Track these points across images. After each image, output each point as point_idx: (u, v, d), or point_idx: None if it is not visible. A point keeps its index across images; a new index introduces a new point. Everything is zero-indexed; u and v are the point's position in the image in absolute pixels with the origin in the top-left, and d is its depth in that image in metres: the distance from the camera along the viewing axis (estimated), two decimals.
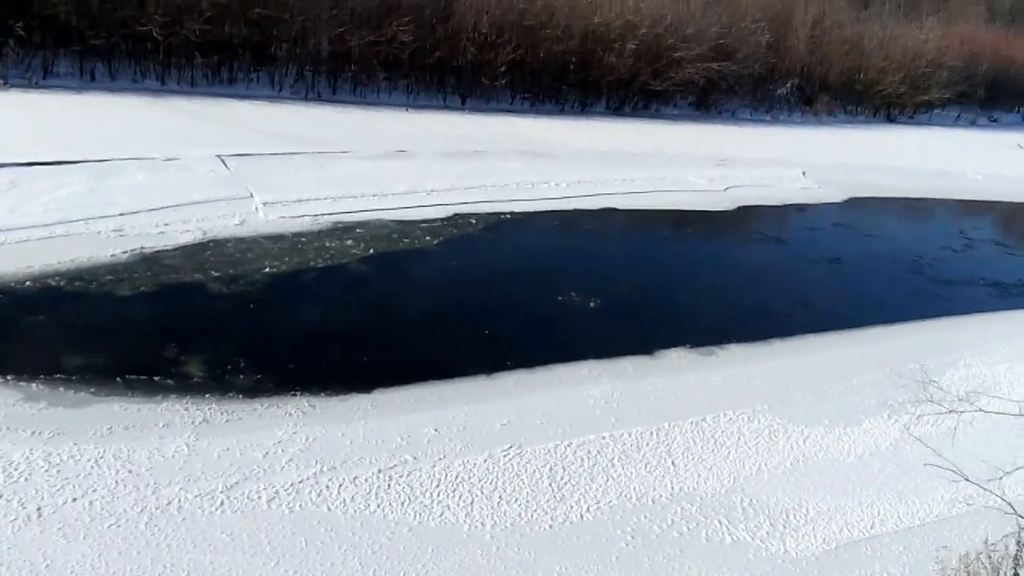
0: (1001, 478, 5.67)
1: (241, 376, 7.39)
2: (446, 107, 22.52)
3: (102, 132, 14.53)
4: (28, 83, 17.39)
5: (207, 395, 6.96)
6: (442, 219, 12.77)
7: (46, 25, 17.75)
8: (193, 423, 6.54)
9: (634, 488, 6.51)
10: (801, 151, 22.82)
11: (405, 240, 11.64)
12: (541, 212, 14.02)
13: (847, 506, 6.69)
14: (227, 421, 6.64)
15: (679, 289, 11.75)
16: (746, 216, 15.92)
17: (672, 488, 6.59)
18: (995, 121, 34.95)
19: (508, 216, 13.53)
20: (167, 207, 11.17)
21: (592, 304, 10.50)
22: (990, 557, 4.35)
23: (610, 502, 6.28)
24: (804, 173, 19.51)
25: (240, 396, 7.02)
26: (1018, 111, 36.72)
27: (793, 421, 7.90)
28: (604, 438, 7.15)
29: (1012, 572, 4.33)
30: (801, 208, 17.15)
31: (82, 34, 17.99)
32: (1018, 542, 4.33)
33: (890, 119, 32.08)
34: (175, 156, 13.45)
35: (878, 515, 6.62)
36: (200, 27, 18.60)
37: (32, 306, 8.18)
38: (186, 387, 7.07)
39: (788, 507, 6.54)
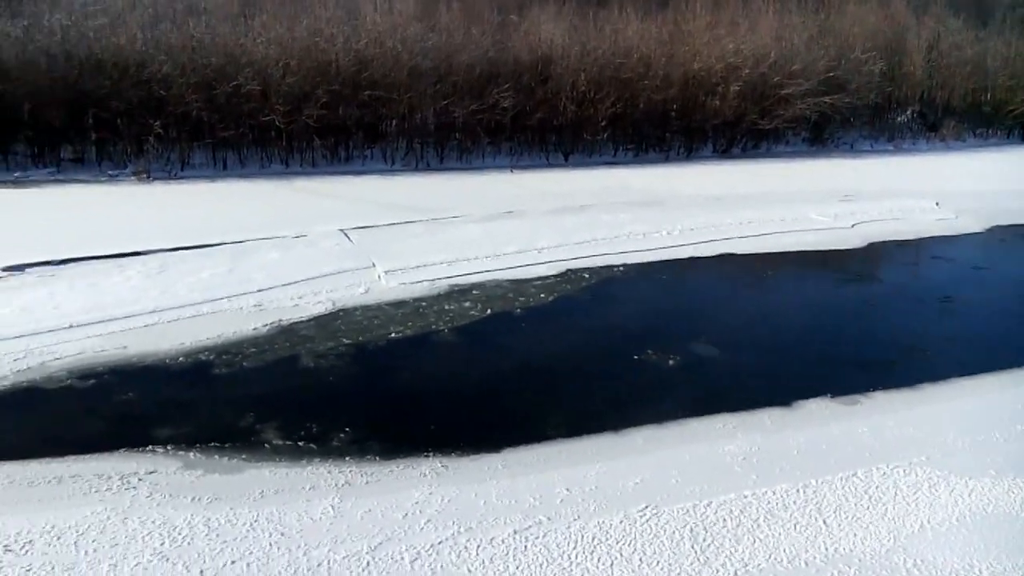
0: None
1: (377, 438, 7.59)
2: (549, 165, 22.81)
3: (236, 215, 15.65)
4: (168, 175, 18.93)
5: (347, 458, 7.17)
6: (554, 275, 12.78)
7: (180, 122, 19.32)
8: (336, 486, 6.71)
9: (784, 550, 6.15)
10: (931, 180, 21.73)
11: (520, 299, 11.71)
12: (654, 262, 13.81)
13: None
14: (367, 483, 6.78)
15: (813, 334, 11.23)
16: (879, 253, 15.18)
17: (826, 549, 6.18)
18: None
19: (621, 268, 13.41)
20: (299, 281, 11.78)
21: (719, 354, 10.20)
22: None
23: (759, 565, 5.95)
24: (938, 203, 18.53)
25: (377, 458, 7.18)
26: None
27: (955, 473, 7.30)
28: (746, 496, 6.83)
29: None
30: (939, 241, 16.19)
31: (213, 128, 19.52)
32: None
33: None
34: (303, 233, 14.23)
35: None
36: (317, 112, 19.85)
37: (186, 380, 8.70)
38: (328, 451, 7.31)
39: (958, 568, 6.00)
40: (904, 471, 7.33)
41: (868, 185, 20.47)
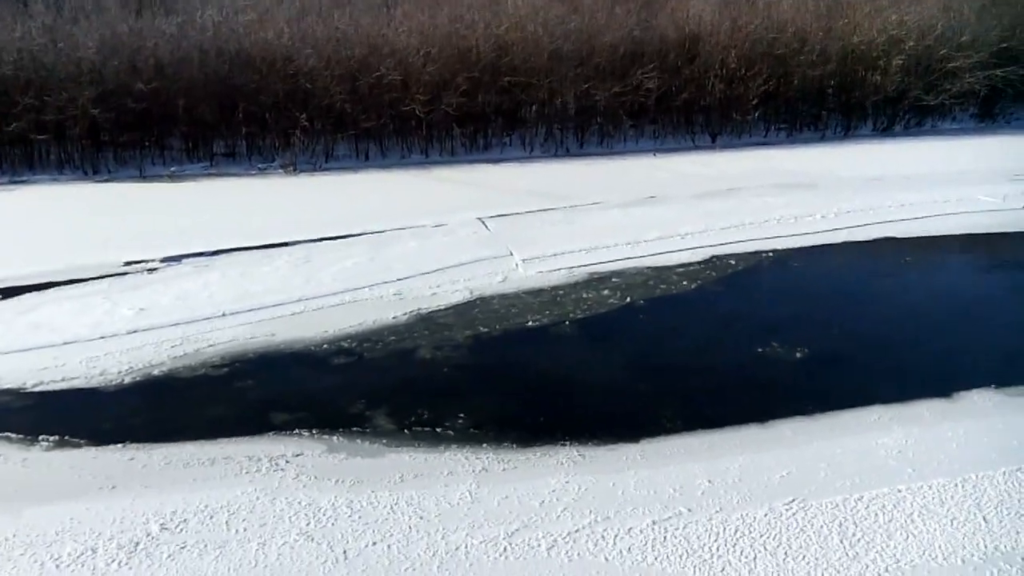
0: None
1: (514, 426, 7.75)
2: (695, 147, 22.30)
3: (378, 206, 16.12)
4: (313, 167, 19.69)
5: (484, 444, 7.35)
6: (698, 262, 12.57)
7: (325, 114, 19.96)
8: (474, 471, 6.92)
9: (939, 546, 5.89)
10: None
11: (662, 286, 11.59)
12: (805, 247, 13.33)
13: None
14: (504, 470, 6.95)
15: (978, 321, 10.60)
16: None
17: (985, 547, 5.89)
18: None
19: (769, 254, 13.03)
20: (437, 270, 12.06)
21: (875, 342, 9.81)
22: None
23: (912, 561, 5.74)
24: None
25: (514, 445, 7.33)
26: None
27: None
28: (900, 491, 6.57)
29: None
30: None
31: (355, 119, 20.01)
32: None
33: None
34: (442, 222, 14.53)
35: None
36: (456, 100, 20.03)
37: (330, 366, 9.14)
38: (466, 437, 7.52)
39: None
40: None
41: None
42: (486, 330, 10.09)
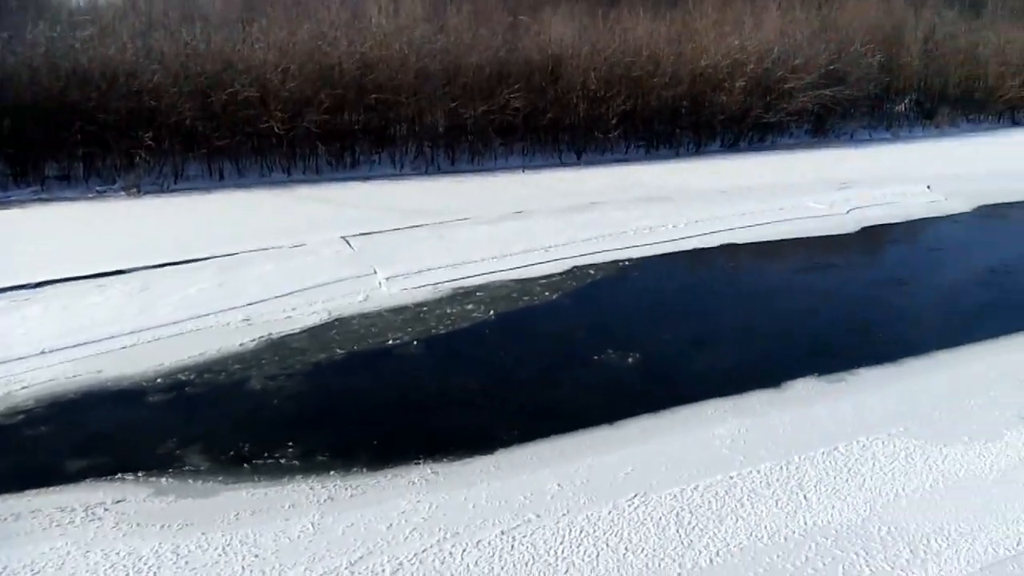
0: None
1: (366, 450, 7.43)
2: (562, 164, 22.76)
3: (231, 227, 15.15)
4: (160, 188, 18.32)
5: (332, 472, 6.99)
6: (560, 273, 12.75)
7: (173, 132, 18.63)
8: (318, 501, 6.55)
9: (765, 527, 6.15)
10: (925, 165, 21.59)
11: (525, 298, 11.68)
12: (660, 255, 13.80)
13: (991, 524, 6.10)
14: (352, 496, 6.63)
15: (804, 317, 11.19)
16: (871, 236, 15.13)
17: (805, 523, 6.19)
18: None
19: (627, 262, 13.39)
20: (293, 292, 11.46)
21: (716, 339, 10.23)
22: None
23: (740, 544, 5.96)
24: (929, 187, 18.39)
25: (365, 470, 7.02)
26: None
27: (930, 441, 7.35)
28: (732, 477, 6.83)
29: None
30: (927, 222, 16.21)
31: (208, 137, 18.79)
32: None
33: (1015, 123, 30.19)
34: (301, 243, 13.96)
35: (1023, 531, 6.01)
36: (319, 117, 19.44)
37: (162, 402, 8.35)
38: (312, 466, 7.10)
39: (928, 531, 6.02)
40: (883, 442, 7.36)
41: (865, 173, 20.36)
42: (343, 351, 9.71)
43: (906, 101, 28.99)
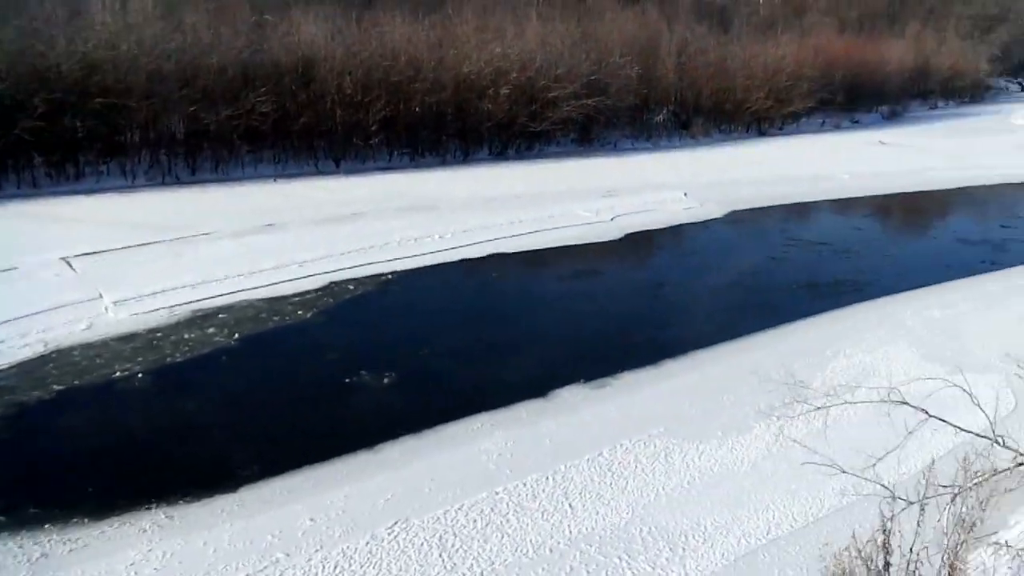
0: (874, 465, 5.92)
1: (88, 498, 6.74)
2: (319, 173, 22.22)
3: None
4: None
5: (47, 525, 6.30)
6: (316, 290, 12.36)
7: None
8: (29, 561, 5.89)
9: (531, 541, 6.21)
10: (683, 173, 23.48)
11: (275, 318, 11.18)
12: (424, 267, 13.79)
13: (744, 516, 6.63)
14: (71, 551, 6.00)
15: (570, 324, 11.60)
16: (633, 243, 16.11)
17: (570, 533, 6.33)
18: (857, 122, 37.66)
19: (389, 276, 13.24)
20: (1, 323, 10.29)
21: (482, 352, 10.34)
22: (859, 552, 4.28)
23: (505, 560, 5.96)
24: (686, 194, 20.03)
25: (87, 520, 6.37)
26: (876, 111, 39.64)
27: (687, 439, 7.86)
28: (498, 493, 6.85)
29: (883, 560, 4.28)
30: (685, 228, 17.54)
31: None
32: (885, 531, 4.29)
33: (762, 133, 33.76)
34: (12, 266, 12.58)
35: (773, 519, 6.59)
36: (33, 124, 17.69)
37: None
38: (22, 521, 6.37)
39: (687, 528, 6.41)
40: (645, 444, 7.75)
41: (628, 181, 21.73)
42: (60, 387, 8.79)
43: (664, 112, 31.37)
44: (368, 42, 24.31)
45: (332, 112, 22.69)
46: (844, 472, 5.84)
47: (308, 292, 12.25)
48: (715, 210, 18.71)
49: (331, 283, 12.70)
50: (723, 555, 6.10)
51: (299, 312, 11.45)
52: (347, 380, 9.32)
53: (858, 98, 38.35)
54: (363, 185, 20.77)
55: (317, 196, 19.07)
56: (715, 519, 6.55)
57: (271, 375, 9.65)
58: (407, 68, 24.28)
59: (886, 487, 5.24)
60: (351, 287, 12.65)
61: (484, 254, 14.66)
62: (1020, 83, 56.48)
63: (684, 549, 6.14)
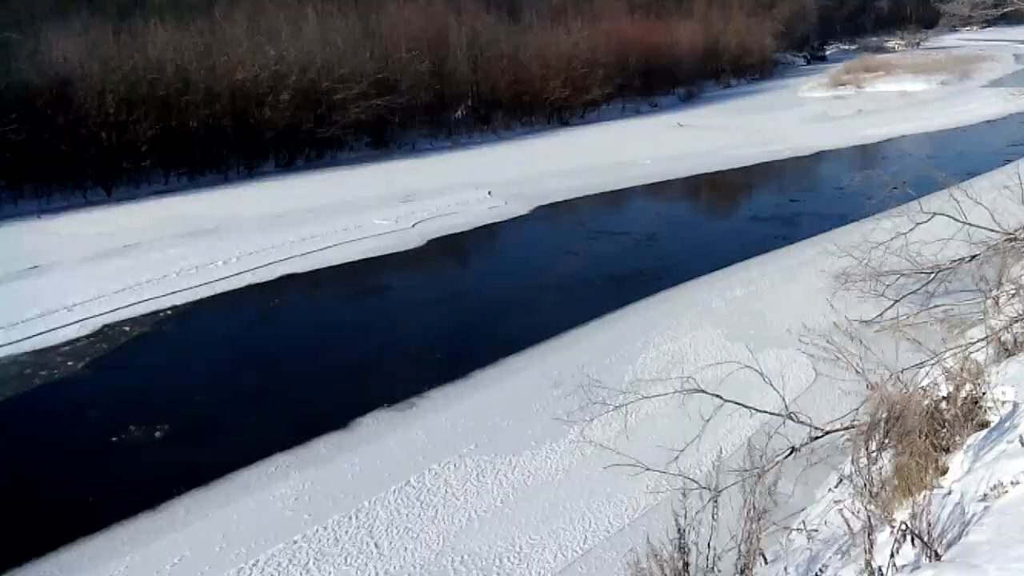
0: (676, 458, 6.12)
1: None
2: (88, 203, 20.84)
3: None
4: None
5: None
6: (88, 336, 11.68)
7: None
8: None
9: None
10: (485, 171, 23.76)
11: (42, 373, 10.48)
12: (206, 299, 13.29)
13: (559, 528, 6.79)
14: None
15: (367, 346, 11.50)
16: (436, 249, 16.18)
17: (377, 572, 6.29)
18: (656, 106, 39.29)
19: (168, 312, 12.67)
20: None
21: (268, 389, 10.04)
22: (656, 556, 4.48)
23: None
24: (490, 192, 20.33)
25: None
26: (673, 93, 41.73)
27: (500, 454, 7.96)
28: (296, 542, 6.69)
29: (683, 561, 4.49)
30: (489, 229, 17.80)
31: None
32: (680, 530, 4.49)
33: (564, 123, 34.60)
34: None
35: (589, 527, 6.78)
36: None
37: None
38: None
39: (501, 551, 6.51)
40: (455, 465, 7.80)
41: (429, 183, 21.80)
42: None
43: (462, 108, 31.75)
44: (129, 55, 23.12)
45: (96, 135, 21.42)
46: (649, 469, 6.00)
47: (79, 340, 11.56)
48: (520, 207, 19.12)
49: (104, 327, 12.02)
50: (539, 574, 6.23)
51: (69, 363, 10.78)
52: (108, 439, 8.76)
53: (654, 81, 40.03)
54: (137, 212, 19.72)
55: (86, 230, 17.91)
56: (530, 536, 6.66)
57: (34, 442, 9.00)
58: (175, 79, 23.35)
59: (691, 479, 5.47)
60: (127, 328, 12.02)
61: (273, 277, 14.28)
62: (805, 56, 61.33)
63: (498, 574, 6.23)
